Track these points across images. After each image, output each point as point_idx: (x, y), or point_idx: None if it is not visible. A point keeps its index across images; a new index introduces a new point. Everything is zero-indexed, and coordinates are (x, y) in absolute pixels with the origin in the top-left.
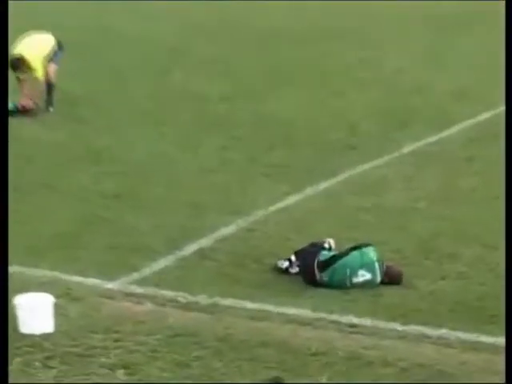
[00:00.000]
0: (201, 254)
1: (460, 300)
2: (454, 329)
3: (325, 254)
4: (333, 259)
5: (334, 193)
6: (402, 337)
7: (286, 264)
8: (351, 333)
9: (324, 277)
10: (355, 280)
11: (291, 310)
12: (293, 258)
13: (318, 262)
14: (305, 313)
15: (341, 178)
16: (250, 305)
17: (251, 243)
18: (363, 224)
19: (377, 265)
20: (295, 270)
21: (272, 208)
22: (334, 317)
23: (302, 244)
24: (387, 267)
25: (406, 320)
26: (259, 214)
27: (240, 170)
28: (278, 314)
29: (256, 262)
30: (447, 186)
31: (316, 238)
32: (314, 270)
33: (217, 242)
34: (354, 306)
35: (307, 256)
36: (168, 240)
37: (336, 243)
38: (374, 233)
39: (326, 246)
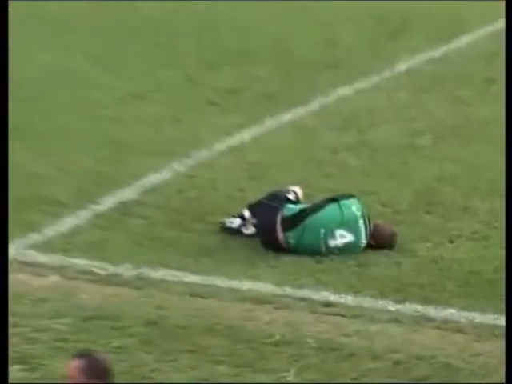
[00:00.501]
0: (123, 209)
1: (473, 270)
2: (464, 309)
3: (290, 208)
4: (302, 215)
5: (303, 126)
6: (396, 320)
7: (237, 222)
8: (327, 314)
9: (290, 238)
10: (332, 243)
11: (245, 285)
12: (247, 213)
13: (281, 218)
14: (264, 288)
15: (313, 106)
16: (189, 277)
17: (191, 194)
18: (343, 168)
19: (361, 222)
20: (250, 230)
21: (219, 147)
22: (304, 293)
23: (258, 195)
24: (375, 226)
25: (400, 297)
26: (202, 154)
27: (177, 95)
28: (228, 289)
29: (198, 219)
30: (456, 116)
31: (278, 186)
32: (275, 230)
33: (144, 194)
34: (330, 278)
35: (266, 211)
36: (79, 190)
37: (305, 194)
38: (357, 180)
39: (291, 197)
